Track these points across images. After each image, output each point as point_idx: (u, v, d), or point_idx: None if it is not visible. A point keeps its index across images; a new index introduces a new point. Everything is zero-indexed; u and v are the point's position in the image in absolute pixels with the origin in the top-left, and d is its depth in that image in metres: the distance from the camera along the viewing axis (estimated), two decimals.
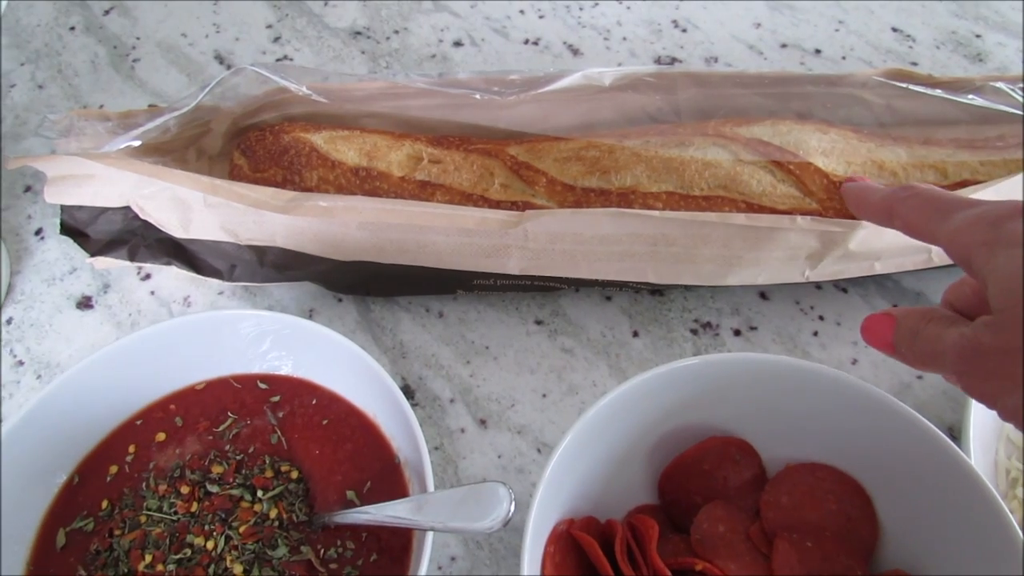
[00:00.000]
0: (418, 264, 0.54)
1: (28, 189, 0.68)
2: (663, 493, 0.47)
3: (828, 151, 0.56)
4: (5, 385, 0.57)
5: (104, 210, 0.57)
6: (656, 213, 0.52)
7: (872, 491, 0.44)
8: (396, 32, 0.79)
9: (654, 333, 0.59)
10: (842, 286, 0.60)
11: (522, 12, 0.81)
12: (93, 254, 0.58)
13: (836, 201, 0.55)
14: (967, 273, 0.35)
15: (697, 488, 0.46)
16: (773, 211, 0.55)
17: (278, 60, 0.77)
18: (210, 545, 0.44)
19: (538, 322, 0.60)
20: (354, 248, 0.54)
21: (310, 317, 0.60)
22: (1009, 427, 0.50)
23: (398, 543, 0.44)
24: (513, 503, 0.37)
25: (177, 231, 0.56)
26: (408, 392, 0.56)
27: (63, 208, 0.57)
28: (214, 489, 0.46)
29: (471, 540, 0.50)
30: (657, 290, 0.61)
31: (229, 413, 0.50)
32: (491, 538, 0.50)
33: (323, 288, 0.60)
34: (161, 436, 0.49)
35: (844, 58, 0.76)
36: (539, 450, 0.54)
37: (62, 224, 0.58)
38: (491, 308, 0.60)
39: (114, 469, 0.48)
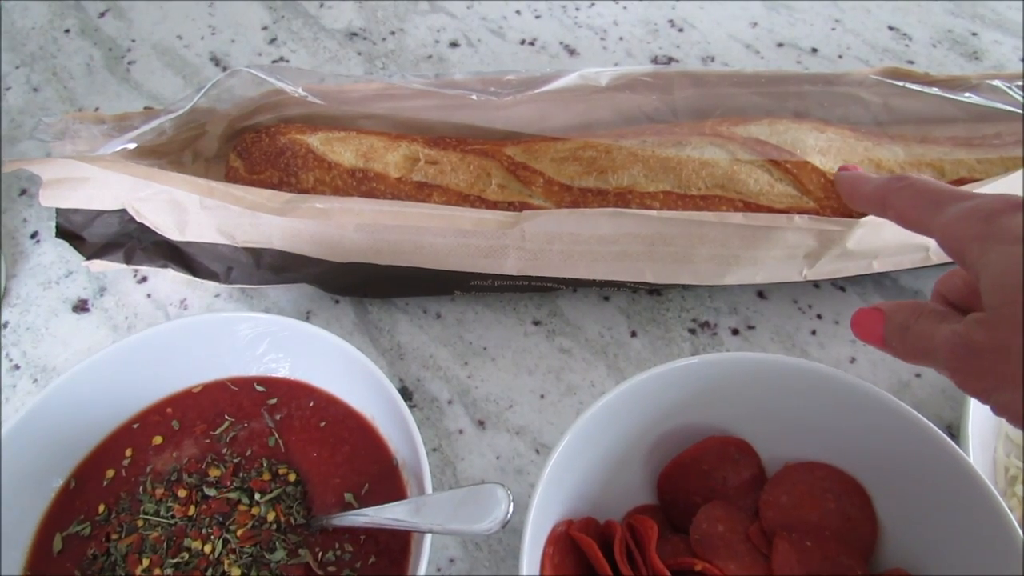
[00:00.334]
0: (415, 265, 0.54)
1: (24, 192, 0.68)
2: (662, 493, 0.47)
3: (825, 150, 0.56)
4: (1, 389, 0.57)
5: (100, 213, 0.57)
6: (653, 213, 0.52)
7: (871, 490, 0.44)
8: (392, 33, 0.79)
9: (652, 333, 0.59)
10: (840, 285, 0.60)
11: (518, 12, 0.81)
12: (89, 257, 0.58)
13: (833, 200, 0.55)
14: (960, 266, 0.35)
15: (696, 488, 0.46)
16: (771, 210, 0.55)
17: (274, 62, 0.77)
18: (208, 549, 0.44)
19: (536, 323, 0.59)
20: (351, 250, 0.54)
21: (307, 319, 0.60)
22: (1008, 426, 0.50)
23: (396, 545, 0.44)
24: (512, 505, 0.37)
25: (173, 234, 0.56)
26: (406, 393, 0.56)
27: (58, 211, 0.57)
28: (211, 492, 0.46)
29: (470, 542, 0.50)
30: (655, 290, 0.60)
31: (226, 416, 0.50)
32: (490, 539, 0.50)
33: (320, 290, 0.60)
34: (158, 440, 0.49)
35: (841, 57, 0.76)
36: (537, 451, 0.54)
37: (58, 227, 0.58)
38: (488, 309, 0.60)
39: (111, 473, 0.48)
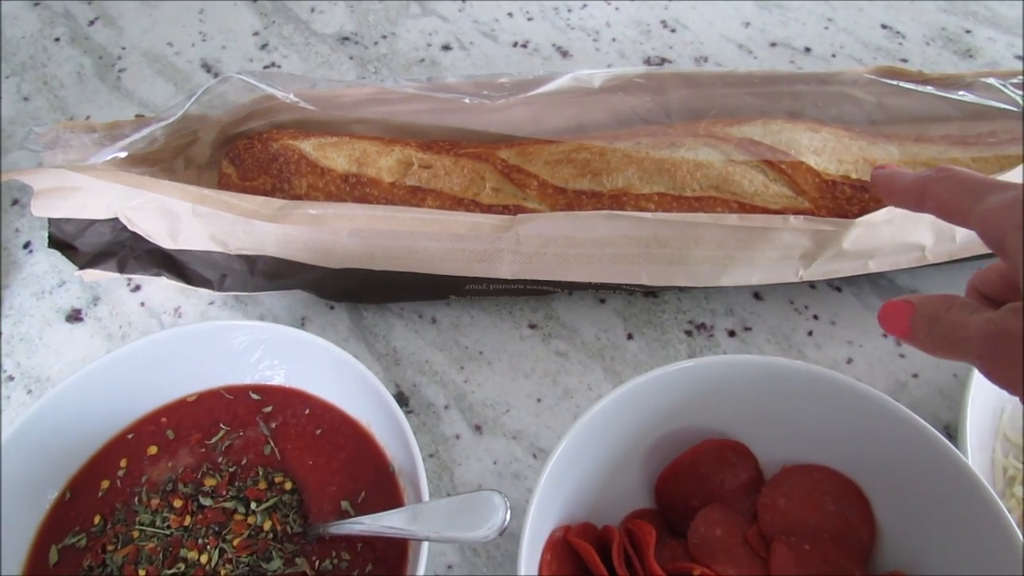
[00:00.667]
0: (410, 270, 0.54)
1: (16, 202, 0.67)
2: (660, 497, 0.47)
3: (820, 150, 0.56)
4: None
5: (92, 222, 0.57)
6: (648, 215, 0.51)
7: (870, 492, 0.44)
8: (384, 37, 0.79)
9: (648, 335, 0.59)
10: (836, 285, 0.60)
11: (510, 15, 0.80)
12: (82, 267, 0.58)
13: (828, 200, 0.55)
14: (999, 256, 0.34)
15: (694, 492, 0.46)
16: (765, 211, 0.54)
17: (265, 67, 0.76)
18: (204, 559, 0.44)
19: (532, 326, 0.59)
20: (345, 255, 0.54)
21: (302, 325, 0.60)
22: (1006, 425, 0.50)
23: (394, 553, 0.44)
24: (509, 511, 0.37)
25: (166, 242, 0.55)
26: (402, 399, 0.56)
27: (50, 221, 0.57)
28: (207, 502, 0.46)
29: (468, 548, 0.49)
30: (651, 292, 0.60)
31: (221, 425, 0.50)
32: (488, 545, 0.49)
33: (315, 296, 0.59)
34: (153, 449, 0.49)
35: (834, 56, 0.76)
36: (535, 455, 0.53)
37: (50, 237, 0.57)
38: (484, 313, 0.60)
39: (106, 484, 0.47)
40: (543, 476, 0.40)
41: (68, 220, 0.57)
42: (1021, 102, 0.59)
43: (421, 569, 0.39)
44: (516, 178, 0.57)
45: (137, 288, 0.62)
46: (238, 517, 0.45)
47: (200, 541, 0.44)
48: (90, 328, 0.60)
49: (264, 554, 0.44)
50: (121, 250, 0.58)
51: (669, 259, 0.53)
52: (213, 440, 0.49)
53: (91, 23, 0.81)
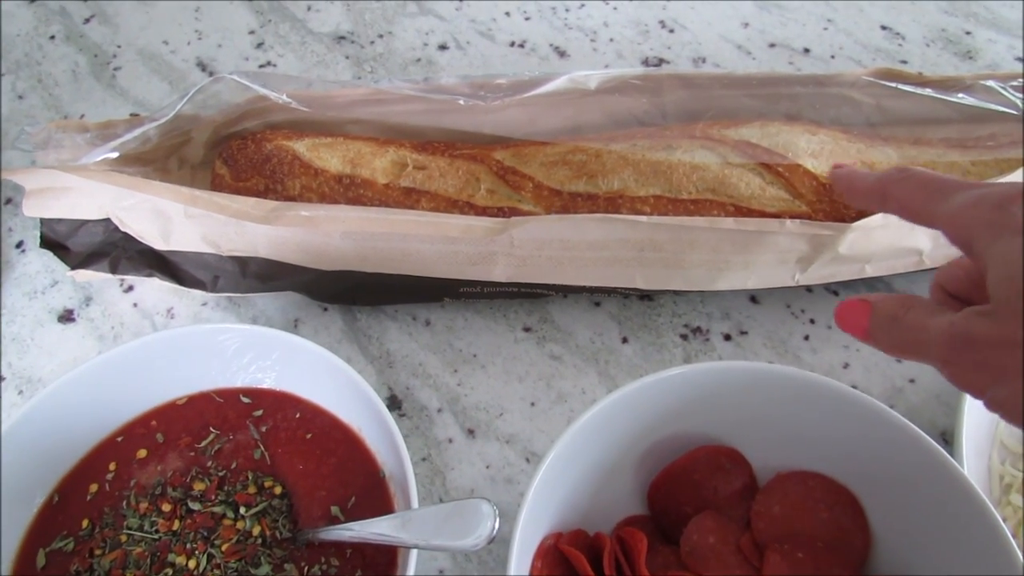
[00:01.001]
0: (403, 273, 0.54)
1: (9, 201, 0.67)
2: (653, 503, 0.47)
3: (817, 152, 0.55)
4: None
5: (84, 222, 0.56)
6: (643, 218, 0.51)
7: (864, 499, 0.44)
8: (380, 36, 0.79)
9: (644, 339, 0.58)
10: (833, 289, 0.60)
11: (508, 14, 0.80)
12: (74, 267, 0.58)
13: (826, 203, 0.54)
14: (967, 256, 0.33)
15: (687, 498, 0.45)
16: (762, 214, 0.54)
17: (261, 66, 0.76)
18: (192, 564, 0.43)
19: (526, 329, 0.59)
20: (337, 257, 0.53)
21: (295, 327, 0.59)
22: (1003, 432, 0.50)
23: (383, 559, 0.43)
24: (498, 520, 0.37)
25: (157, 243, 0.55)
26: (395, 402, 0.56)
27: (43, 221, 0.57)
28: (196, 507, 0.46)
29: (460, 553, 0.49)
30: (647, 295, 0.60)
31: (211, 428, 0.49)
32: (480, 551, 0.49)
33: (308, 298, 0.59)
34: (142, 453, 0.48)
35: (833, 57, 0.75)
36: (528, 459, 0.53)
37: (42, 237, 0.57)
38: (478, 315, 0.60)
39: (94, 488, 0.47)
40: (534, 481, 0.40)
41: (60, 220, 0.56)
42: (1021, 105, 0.58)
43: (410, 575, 0.39)
44: (511, 180, 0.56)
45: (130, 289, 0.62)
46: (227, 522, 0.45)
47: (188, 546, 0.44)
48: (82, 329, 0.60)
49: (253, 559, 0.43)
50: (113, 250, 0.57)
51: (664, 263, 0.53)
52: (203, 444, 0.49)
53: (86, 21, 0.81)
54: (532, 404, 0.55)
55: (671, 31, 0.78)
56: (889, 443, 0.42)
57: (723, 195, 0.54)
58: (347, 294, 0.58)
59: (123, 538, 0.45)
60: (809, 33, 0.77)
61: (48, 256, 0.61)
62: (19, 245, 0.64)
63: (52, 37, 0.79)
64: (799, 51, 0.76)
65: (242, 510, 0.45)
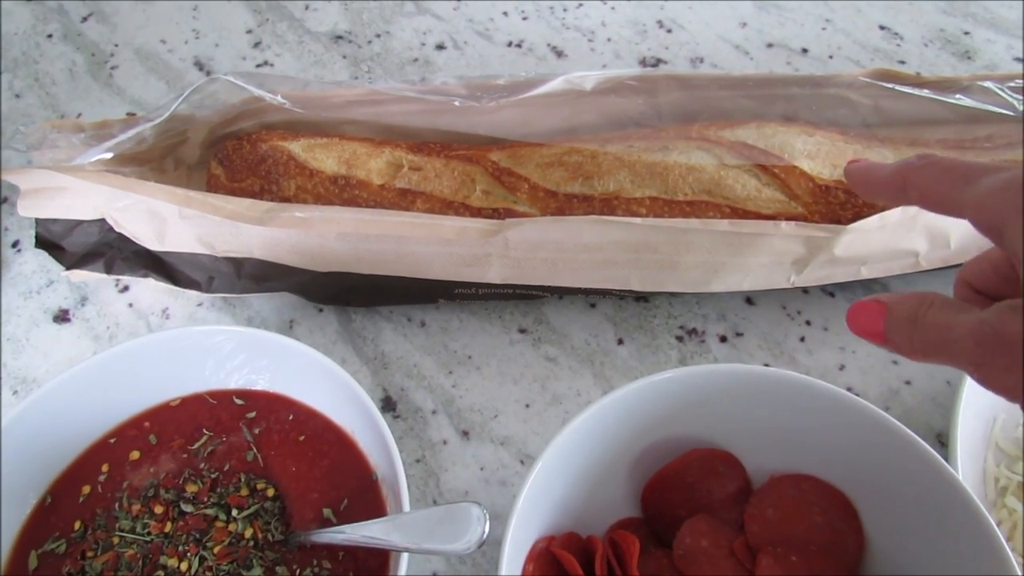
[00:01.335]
0: (398, 274, 0.54)
1: (5, 200, 0.67)
2: (646, 506, 0.46)
3: (814, 154, 0.55)
4: None
5: (79, 223, 0.56)
6: (638, 220, 0.51)
7: (858, 503, 0.43)
8: (378, 36, 0.78)
9: (639, 340, 0.58)
10: (829, 290, 0.59)
11: (505, 14, 0.80)
12: (69, 267, 0.58)
13: (822, 205, 0.54)
14: (996, 245, 0.31)
15: (681, 501, 0.45)
16: (758, 215, 0.54)
17: (258, 66, 0.76)
18: (184, 567, 0.43)
19: (521, 330, 0.59)
20: (332, 259, 0.53)
21: (290, 328, 0.59)
22: (999, 435, 0.49)
23: (375, 562, 0.43)
24: (488, 524, 0.37)
25: (152, 244, 0.55)
26: (390, 403, 0.55)
27: (38, 221, 0.57)
28: (188, 509, 0.45)
29: (452, 556, 0.49)
30: (642, 297, 0.60)
31: (204, 430, 0.49)
32: (474, 553, 0.49)
33: (303, 298, 0.59)
34: (135, 454, 0.48)
35: (831, 57, 0.75)
36: (522, 461, 0.53)
37: (37, 237, 0.57)
38: (473, 317, 0.59)
39: (87, 489, 0.47)
40: (526, 484, 0.40)
41: (55, 220, 0.56)
42: (1018, 106, 0.58)
43: None
44: (507, 181, 0.56)
45: (125, 289, 0.61)
46: (219, 524, 0.45)
47: (180, 548, 0.44)
48: (77, 329, 0.60)
49: (245, 562, 0.43)
50: (108, 251, 0.57)
51: (660, 265, 0.53)
52: (196, 445, 0.49)
53: (84, 19, 0.81)
54: (527, 406, 0.55)
55: (669, 31, 0.78)
56: (883, 447, 0.41)
57: (719, 196, 0.54)
58: (342, 295, 0.58)
59: (115, 540, 0.45)
60: (807, 33, 0.77)
61: (44, 256, 0.61)
62: (15, 245, 0.64)
63: (50, 35, 0.79)
64: (797, 51, 0.76)
65: (234, 512, 0.45)
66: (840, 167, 0.55)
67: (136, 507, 0.46)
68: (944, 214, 0.33)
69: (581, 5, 0.80)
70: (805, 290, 0.59)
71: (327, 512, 0.45)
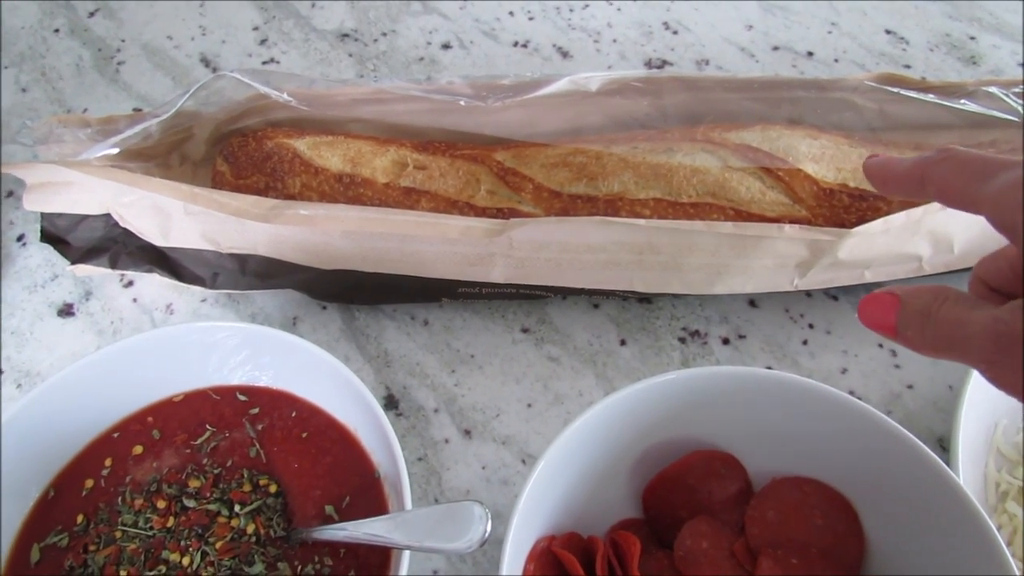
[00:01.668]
0: (401, 273, 0.54)
1: (11, 194, 0.67)
2: (647, 507, 0.46)
3: (818, 157, 0.55)
4: None
5: (84, 217, 0.57)
6: (642, 222, 0.51)
7: (859, 506, 0.44)
8: (384, 34, 0.79)
9: (642, 342, 0.58)
10: (833, 294, 0.60)
11: (511, 14, 0.80)
12: (74, 261, 0.58)
13: (826, 208, 0.54)
14: (1012, 242, 0.30)
15: (682, 502, 0.45)
16: (762, 218, 0.54)
17: (264, 63, 0.76)
18: (186, 561, 0.43)
19: (524, 330, 0.59)
20: (337, 257, 0.53)
21: (294, 325, 0.59)
22: (1000, 439, 0.49)
23: (376, 560, 0.43)
24: (489, 523, 0.37)
25: (157, 239, 0.55)
26: (392, 401, 0.56)
27: (43, 215, 0.57)
28: (191, 504, 0.46)
29: (454, 555, 0.49)
30: (645, 298, 0.60)
31: (207, 426, 0.49)
32: (475, 552, 0.49)
33: (307, 296, 0.59)
34: (138, 449, 0.49)
35: (837, 60, 0.75)
36: (524, 461, 0.53)
37: (43, 231, 0.57)
38: (477, 316, 0.60)
39: (90, 483, 0.47)
40: (528, 483, 0.40)
41: (61, 215, 0.56)
42: (1022, 112, 0.58)
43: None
44: (511, 181, 0.56)
45: (130, 284, 0.62)
46: (221, 519, 0.45)
47: (182, 543, 0.44)
48: (81, 323, 0.60)
49: (246, 557, 0.43)
50: (113, 246, 0.57)
51: (663, 266, 0.53)
52: (199, 441, 0.49)
53: (91, 15, 0.81)
54: (529, 405, 0.55)
55: (675, 32, 0.78)
56: (885, 450, 0.41)
57: (723, 199, 0.54)
58: (346, 293, 0.58)
59: (118, 534, 0.45)
60: (813, 36, 0.77)
61: (49, 250, 0.61)
62: (20, 239, 0.65)
63: (56, 30, 0.80)
64: (803, 54, 0.76)
65: (237, 508, 0.45)
66: (844, 171, 0.55)
67: (139, 502, 0.46)
68: (962, 210, 0.33)
69: (587, 6, 0.80)
70: (808, 293, 0.60)
71: (329, 509, 0.46)
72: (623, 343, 0.58)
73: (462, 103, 0.59)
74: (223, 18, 0.80)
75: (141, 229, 0.55)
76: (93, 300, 0.61)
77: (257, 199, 0.52)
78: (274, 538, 0.45)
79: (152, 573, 0.43)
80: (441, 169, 0.57)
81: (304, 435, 0.49)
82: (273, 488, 0.47)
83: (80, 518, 0.46)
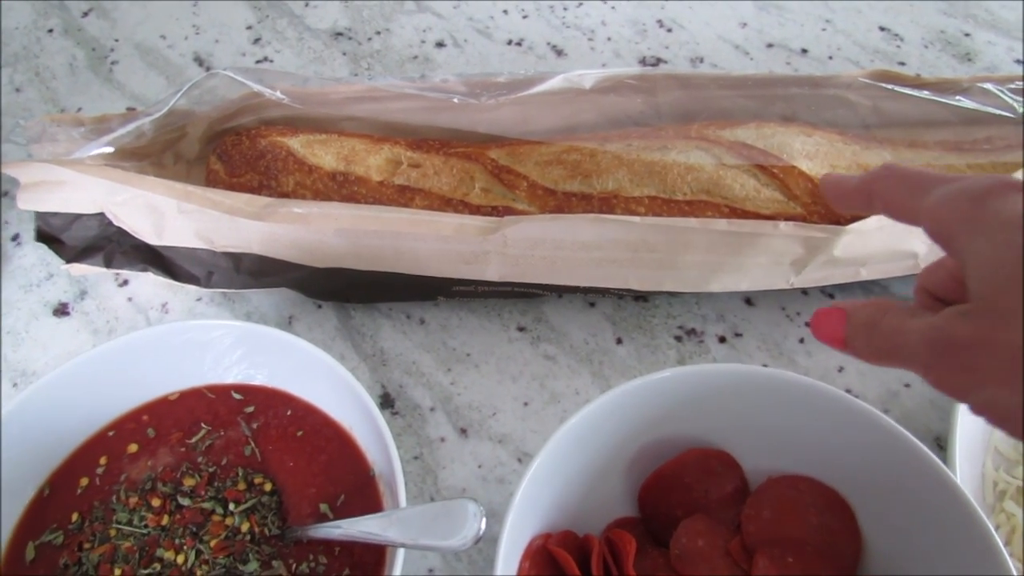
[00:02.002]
0: (396, 271, 0.54)
1: (5, 194, 0.67)
2: (643, 506, 0.46)
3: (812, 154, 0.55)
4: None
5: (78, 216, 0.56)
6: (637, 219, 0.51)
7: (855, 505, 0.43)
8: (378, 33, 0.78)
9: (638, 340, 0.58)
10: (829, 292, 0.60)
11: (505, 12, 0.80)
12: (69, 260, 0.57)
13: (820, 205, 0.54)
14: (947, 253, 0.32)
15: (678, 501, 0.45)
16: (757, 215, 0.54)
17: (258, 62, 0.76)
18: (180, 559, 0.43)
19: (520, 329, 0.59)
20: (331, 255, 0.53)
21: (289, 324, 0.59)
22: (997, 438, 0.49)
23: (371, 558, 0.43)
24: (484, 521, 0.37)
25: (151, 238, 0.55)
26: (388, 400, 0.55)
27: (38, 214, 0.57)
28: (186, 502, 0.45)
29: (449, 553, 0.49)
30: (641, 296, 0.60)
31: (202, 424, 0.49)
32: (470, 550, 0.49)
33: (302, 294, 0.59)
34: (133, 448, 0.48)
35: (831, 58, 0.75)
36: (520, 460, 0.53)
37: (37, 231, 0.57)
38: (473, 314, 0.59)
39: (85, 481, 0.47)
40: (524, 481, 0.40)
41: (55, 214, 0.56)
42: (1018, 108, 0.58)
43: (397, 574, 0.39)
44: (506, 179, 0.56)
45: (125, 283, 0.61)
46: (216, 518, 0.45)
47: (177, 541, 0.44)
48: (76, 322, 0.60)
49: (241, 556, 0.43)
50: (108, 245, 0.57)
51: (658, 264, 0.53)
52: (194, 439, 0.49)
53: (84, 15, 0.81)
54: (525, 404, 0.55)
55: (669, 31, 0.78)
56: (881, 448, 0.41)
57: (718, 196, 0.54)
58: (341, 291, 0.58)
59: (112, 532, 0.45)
60: (807, 34, 0.77)
61: (43, 249, 0.60)
62: (15, 238, 0.64)
63: (50, 30, 0.79)
64: (797, 52, 0.76)
65: (231, 506, 0.45)
66: (839, 167, 0.55)
67: (133, 500, 0.46)
68: (905, 222, 0.35)
69: (581, 4, 0.80)
70: (804, 292, 0.60)
71: (324, 507, 0.45)
72: (619, 341, 0.58)
73: (456, 101, 0.59)
74: (216, 17, 0.80)
75: (135, 228, 0.55)
76: (88, 299, 0.61)
77: (251, 197, 0.52)
78: (269, 536, 0.44)
79: (147, 571, 0.43)
80: (435, 167, 0.57)
81: (299, 433, 0.48)
82: (268, 486, 0.46)
83: (75, 516, 0.46)
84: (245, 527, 0.44)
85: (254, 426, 0.49)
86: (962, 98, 0.59)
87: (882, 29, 0.77)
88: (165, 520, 0.45)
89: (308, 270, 0.54)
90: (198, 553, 0.43)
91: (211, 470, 0.47)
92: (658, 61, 0.75)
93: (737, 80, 0.61)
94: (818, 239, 0.51)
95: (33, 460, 0.47)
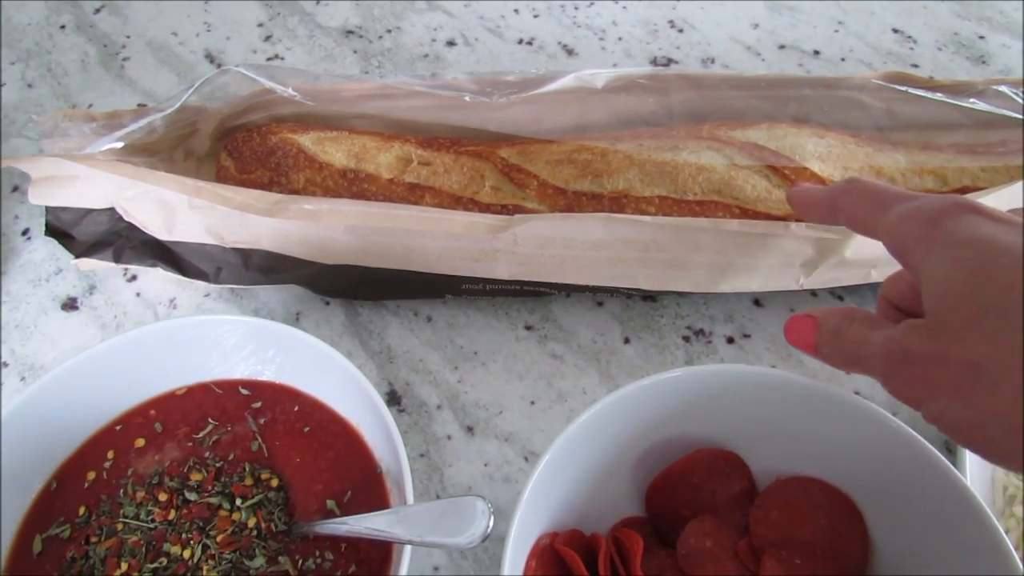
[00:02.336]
0: (405, 268, 0.53)
1: (16, 189, 0.67)
2: (650, 506, 0.46)
3: (824, 156, 0.55)
4: None
5: (89, 211, 0.57)
6: (647, 219, 0.51)
7: (864, 507, 0.43)
8: (389, 31, 0.78)
9: (646, 340, 0.58)
10: (838, 294, 0.59)
11: (516, 11, 0.80)
12: (78, 255, 0.58)
13: None
14: (905, 268, 0.34)
15: (685, 501, 0.45)
16: (768, 217, 0.54)
17: (269, 59, 0.76)
18: (187, 554, 0.43)
19: (528, 327, 0.59)
20: (340, 252, 0.53)
21: (297, 320, 0.59)
22: None
23: (377, 555, 0.43)
24: (492, 518, 0.36)
25: (161, 233, 0.55)
26: (395, 398, 0.55)
27: (48, 209, 0.57)
28: (192, 497, 0.45)
29: (455, 551, 0.49)
30: (650, 296, 0.59)
31: (210, 419, 0.49)
32: (475, 548, 0.49)
33: (310, 291, 0.59)
34: (140, 442, 0.48)
35: (843, 60, 0.75)
36: (526, 458, 0.53)
37: (47, 225, 0.57)
38: (480, 313, 0.59)
39: (92, 475, 0.47)
40: (531, 480, 0.40)
41: (65, 208, 0.56)
42: None
43: (403, 571, 0.39)
44: (516, 177, 0.56)
45: (133, 278, 0.62)
46: (223, 513, 0.45)
47: (184, 536, 0.44)
48: (85, 317, 0.60)
49: (247, 551, 0.43)
50: (117, 240, 0.57)
51: (668, 264, 0.52)
52: (201, 434, 0.49)
53: (97, 11, 0.81)
54: (532, 403, 0.55)
55: (680, 31, 0.78)
56: (891, 451, 0.41)
57: (728, 197, 0.54)
58: (349, 289, 0.58)
59: (119, 526, 0.45)
60: (819, 35, 0.77)
61: (53, 244, 0.61)
62: (25, 232, 0.65)
63: (62, 27, 0.80)
64: (809, 53, 0.75)
65: (238, 502, 0.45)
66: (851, 169, 0.55)
67: (140, 494, 0.46)
68: (866, 235, 0.37)
69: (592, 4, 0.80)
70: (814, 293, 0.59)
71: (331, 504, 0.45)
72: (627, 341, 0.58)
73: (467, 99, 0.59)
74: (228, 15, 0.80)
75: (145, 223, 0.55)
76: (97, 294, 0.61)
77: (261, 194, 0.52)
78: (275, 532, 0.44)
79: (153, 565, 0.43)
80: (445, 165, 0.57)
81: (306, 429, 0.48)
82: (275, 482, 0.46)
83: (82, 510, 0.46)
84: (252, 523, 0.44)
85: (261, 421, 0.49)
86: (976, 101, 0.58)
87: (895, 31, 0.77)
88: (172, 515, 0.45)
89: (317, 267, 0.54)
90: (204, 548, 0.43)
91: (218, 465, 0.47)
92: (669, 61, 0.75)
93: (749, 81, 0.61)
94: (829, 241, 0.51)
95: (41, 454, 0.47)
